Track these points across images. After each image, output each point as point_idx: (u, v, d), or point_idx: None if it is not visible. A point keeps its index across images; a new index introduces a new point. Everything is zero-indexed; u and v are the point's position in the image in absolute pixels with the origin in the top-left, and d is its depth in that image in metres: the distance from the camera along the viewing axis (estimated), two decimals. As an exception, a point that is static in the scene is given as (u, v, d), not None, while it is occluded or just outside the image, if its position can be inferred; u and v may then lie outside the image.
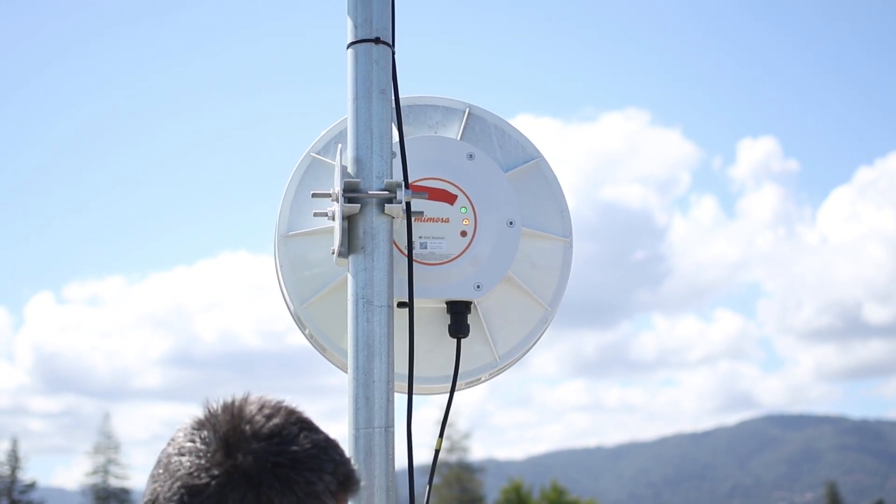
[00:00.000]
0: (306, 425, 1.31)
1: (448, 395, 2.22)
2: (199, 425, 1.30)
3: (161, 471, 1.29)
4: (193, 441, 1.28)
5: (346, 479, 1.30)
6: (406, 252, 2.11)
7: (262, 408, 1.30)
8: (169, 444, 1.31)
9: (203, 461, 1.26)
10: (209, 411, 1.31)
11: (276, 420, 1.29)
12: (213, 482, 1.24)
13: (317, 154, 2.28)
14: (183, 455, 1.27)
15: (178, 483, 1.25)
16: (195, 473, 1.25)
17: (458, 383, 2.22)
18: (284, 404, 1.33)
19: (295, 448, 1.27)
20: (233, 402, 1.32)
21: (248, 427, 1.28)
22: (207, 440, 1.28)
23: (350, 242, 2.03)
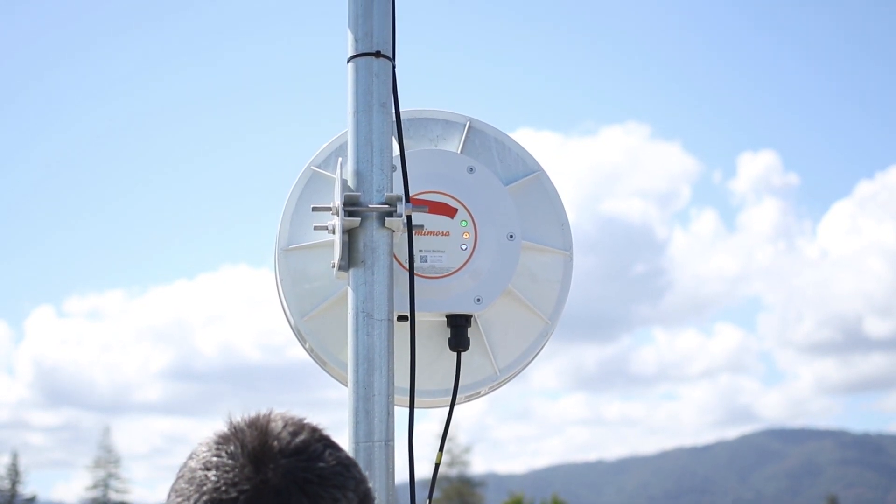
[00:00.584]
0: (329, 443, 1.32)
1: (448, 408, 2.22)
2: (224, 440, 1.30)
3: (185, 485, 1.28)
4: (220, 456, 1.28)
5: (365, 496, 1.31)
6: (406, 266, 2.12)
7: (286, 424, 1.31)
8: (191, 458, 1.31)
9: (231, 476, 1.26)
10: (233, 426, 1.31)
11: (301, 437, 1.30)
12: (242, 497, 1.24)
13: (317, 167, 2.28)
14: (209, 469, 1.27)
15: (206, 497, 1.25)
16: (223, 488, 1.25)
17: (458, 397, 2.22)
18: (306, 421, 1.33)
19: (322, 465, 1.28)
20: (258, 418, 1.32)
21: (275, 443, 1.28)
22: (234, 455, 1.27)
23: (350, 256, 2.03)
